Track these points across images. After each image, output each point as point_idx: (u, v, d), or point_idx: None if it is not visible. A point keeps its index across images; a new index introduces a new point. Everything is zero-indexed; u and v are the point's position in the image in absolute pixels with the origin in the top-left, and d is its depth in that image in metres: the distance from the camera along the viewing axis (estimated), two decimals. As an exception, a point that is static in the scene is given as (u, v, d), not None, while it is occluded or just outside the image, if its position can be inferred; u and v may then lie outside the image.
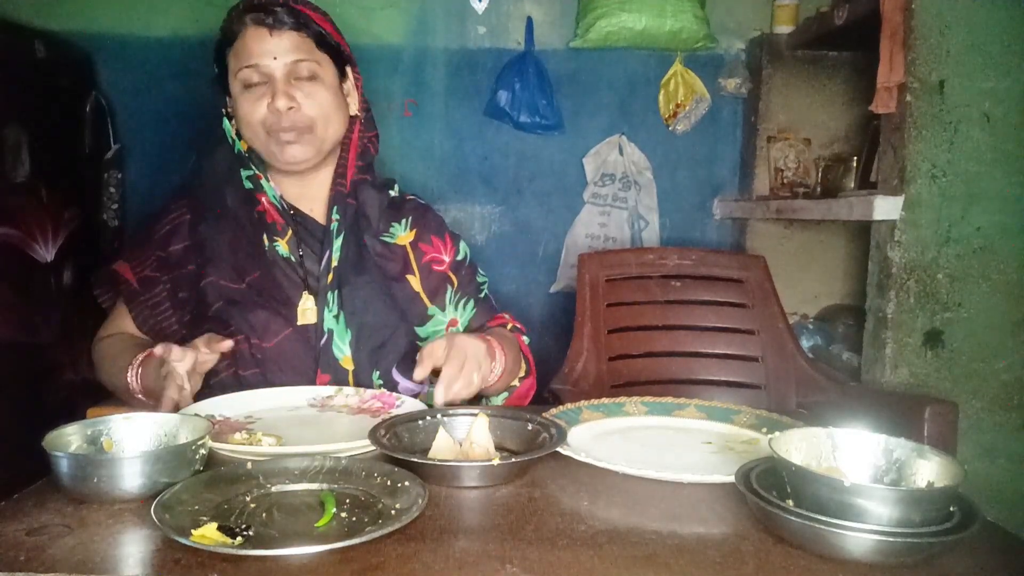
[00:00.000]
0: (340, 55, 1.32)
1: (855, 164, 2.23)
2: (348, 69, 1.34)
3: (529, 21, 2.51)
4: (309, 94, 1.26)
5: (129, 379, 1.19)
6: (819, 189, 2.33)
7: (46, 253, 2.05)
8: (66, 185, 2.15)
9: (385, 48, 2.47)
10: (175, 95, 2.45)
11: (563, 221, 2.59)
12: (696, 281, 1.88)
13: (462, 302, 1.40)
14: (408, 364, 1.25)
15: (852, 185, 2.20)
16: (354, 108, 1.35)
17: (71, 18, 2.39)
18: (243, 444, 0.96)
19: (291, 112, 1.24)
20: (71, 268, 2.13)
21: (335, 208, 1.31)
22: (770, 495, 0.76)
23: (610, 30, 2.40)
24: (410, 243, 1.38)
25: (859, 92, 2.40)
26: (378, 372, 1.29)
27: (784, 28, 2.46)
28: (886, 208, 1.78)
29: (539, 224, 2.60)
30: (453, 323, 1.38)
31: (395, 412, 1.12)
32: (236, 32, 1.25)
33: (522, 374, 1.36)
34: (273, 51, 1.23)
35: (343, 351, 1.27)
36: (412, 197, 1.45)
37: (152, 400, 1.15)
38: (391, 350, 1.29)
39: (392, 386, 1.29)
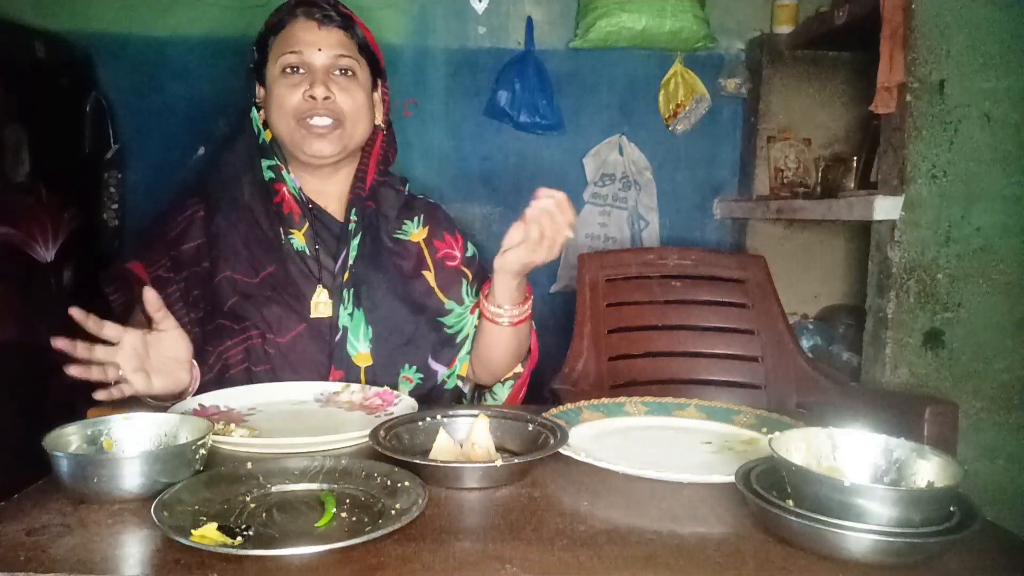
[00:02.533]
0: (375, 65, 1.38)
1: (855, 164, 2.23)
2: (379, 81, 1.40)
3: (529, 21, 2.51)
4: (345, 89, 1.30)
5: None
6: (819, 189, 2.33)
7: (46, 253, 2.05)
8: (66, 185, 2.15)
9: (385, 48, 2.43)
10: (175, 95, 2.46)
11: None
12: (696, 281, 1.88)
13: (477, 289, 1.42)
14: (442, 352, 1.34)
15: (852, 185, 2.20)
16: (379, 118, 1.39)
17: (71, 18, 2.40)
18: (217, 434, 0.97)
19: (326, 102, 1.28)
20: (71, 268, 2.13)
21: (353, 210, 1.34)
22: (770, 495, 0.76)
23: (610, 30, 2.40)
24: (423, 240, 1.41)
25: (859, 92, 2.40)
26: (415, 366, 1.32)
27: (784, 28, 2.46)
28: (886, 208, 1.78)
29: (539, 224, 2.60)
30: (478, 305, 1.39)
31: (392, 409, 1.14)
32: (285, 22, 1.31)
33: (519, 369, 1.39)
34: (319, 43, 1.28)
35: (356, 348, 1.28)
36: (422, 196, 1.48)
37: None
38: (422, 343, 1.33)
39: (431, 375, 1.33)
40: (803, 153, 2.47)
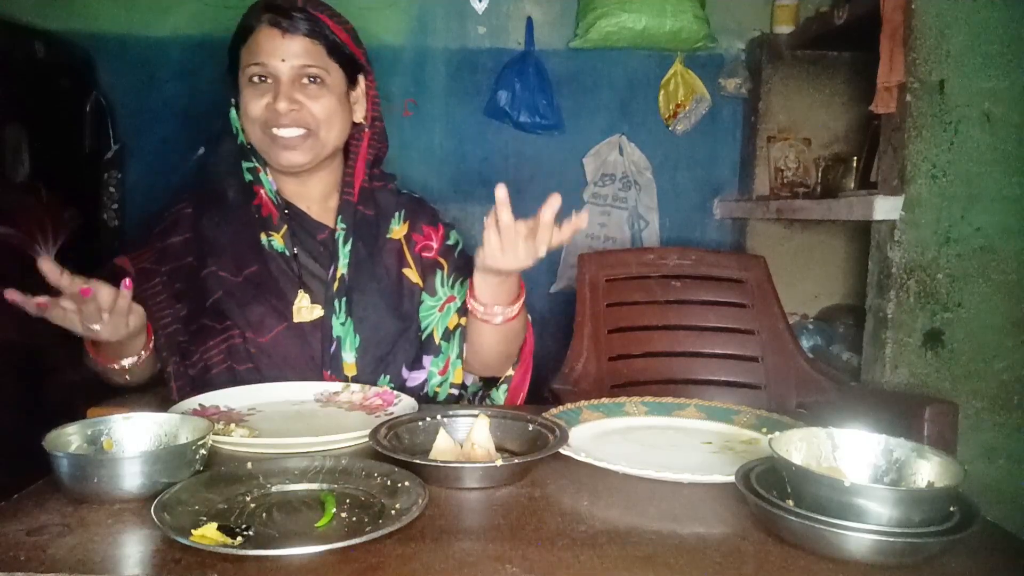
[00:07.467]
0: (352, 64, 1.32)
1: (855, 164, 2.23)
2: (360, 77, 1.34)
3: (529, 21, 2.51)
4: (312, 97, 1.26)
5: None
6: (819, 189, 2.33)
7: (46, 253, 2.05)
8: (66, 185, 2.15)
9: (385, 48, 2.47)
10: (175, 95, 2.46)
11: (563, 221, 2.59)
12: (696, 281, 1.88)
13: (458, 282, 1.39)
14: (414, 360, 1.33)
15: (852, 185, 2.20)
16: (359, 116, 1.35)
17: (71, 18, 2.39)
18: (217, 434, 0.97)
19: (293, 113, 1.24)
20: (71, 268, 2.13)
21: (340, 217, 1.32)
22: (770, 495, 0.76)
23: (610, 30, 2.40)
24: (403, 236, 1.39)
25: (859, 92, 2.40)
26: (388, 376, 1.31)
27: (784, 28, 2.46)
28: (886, 208, 1.78)
29: (539, 224, 2.60)
30: (451, 299, 1.38)
31: (391, 409, 1.14)
32: (251, 28, 1.27)
33: (509, 372, 1.39)
34: (282, 53, 1.24)
35: (343, 358, 1.28)
36: (407, 192, 1.46)
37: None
38: (400, 354, 1.32)
39: (400, 383, 1.32)
40: (803, 153, 2.47)
